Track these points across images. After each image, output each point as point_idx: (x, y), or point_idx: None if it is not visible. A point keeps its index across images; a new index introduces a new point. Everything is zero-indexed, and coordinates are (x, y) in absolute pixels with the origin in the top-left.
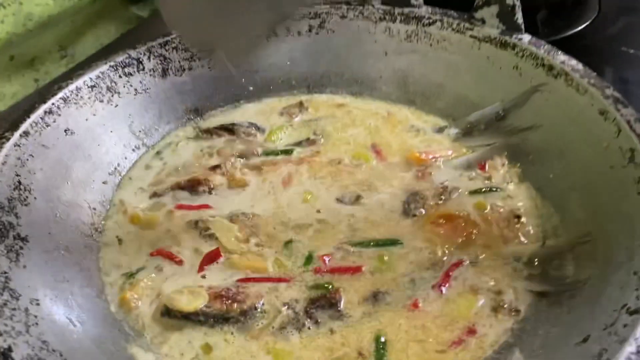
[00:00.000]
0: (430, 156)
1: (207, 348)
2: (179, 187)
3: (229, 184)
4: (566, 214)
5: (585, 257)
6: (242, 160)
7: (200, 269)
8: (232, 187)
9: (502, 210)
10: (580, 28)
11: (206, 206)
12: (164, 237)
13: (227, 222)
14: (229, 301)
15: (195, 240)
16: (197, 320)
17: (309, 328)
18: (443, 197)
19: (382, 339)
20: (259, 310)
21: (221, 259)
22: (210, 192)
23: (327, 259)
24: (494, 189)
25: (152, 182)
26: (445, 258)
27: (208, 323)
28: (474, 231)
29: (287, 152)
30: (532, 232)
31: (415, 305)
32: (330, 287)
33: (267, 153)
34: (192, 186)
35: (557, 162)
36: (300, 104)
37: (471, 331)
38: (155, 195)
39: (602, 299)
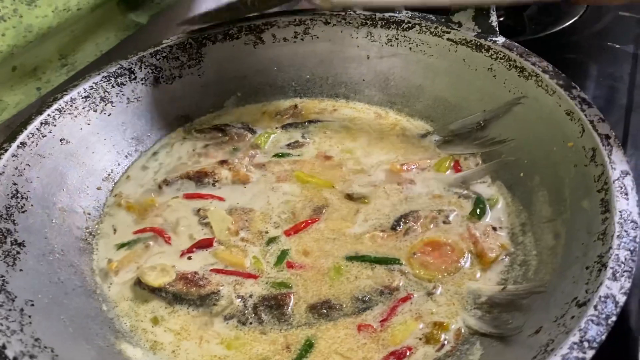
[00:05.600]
0: (413, 167)
1: (155, 320)
2: (187, 177)
3: (233, 178)
4: (533, 211)
5: (546, 260)
6: (248, 158)
7: (190, 250)
8: (236, 182)
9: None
10: (568, 24)
11: (210, 196)
12: (162, 223)
13: (224, 214)
14: (191, 284)
15: (193, 227)
16: (160, 295)
17: (250, 323)
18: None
19: (311, 341)
20: (215, 298)
21: (211, 248)
22: (214, 185)
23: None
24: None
25: (151, 178)
26: (401, 283)
27: (167, 299)
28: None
29: (288, 155)
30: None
31: (358, 327)
32: (290, 285)
33: (273, 154)
34: (199, 177)
35: (528, 161)
36: (295, 107)
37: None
38: (165, 182)
39: (557, 293)
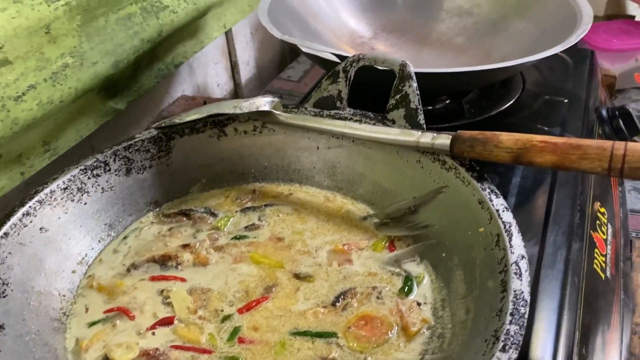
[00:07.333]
0: (353, 247)
1: None
2: (153, 260)
3: (194, 261)
4: (452, 288)
5: (458, 333)
6: (209, 241)
7: (153, 327)
8: (197, 264)
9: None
10: (503, 108)
11: (174, 277)
12: (129, 302)
13: (185, 294)
14: (152, 359)
15: (156, 306)
16: None
17: None
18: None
19: None
20: None
21: (172, 326)
22: (177, 267)
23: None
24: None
25: (120, 262)
26: (336, 355)
27: None
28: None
29: (245, 237)
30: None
31: None
32: (240, 359)
33: (232, 237)
34: (164, 261)
35: (449, 243)
36: (254, 191)
37: None
38: (133, 266)
39: None
